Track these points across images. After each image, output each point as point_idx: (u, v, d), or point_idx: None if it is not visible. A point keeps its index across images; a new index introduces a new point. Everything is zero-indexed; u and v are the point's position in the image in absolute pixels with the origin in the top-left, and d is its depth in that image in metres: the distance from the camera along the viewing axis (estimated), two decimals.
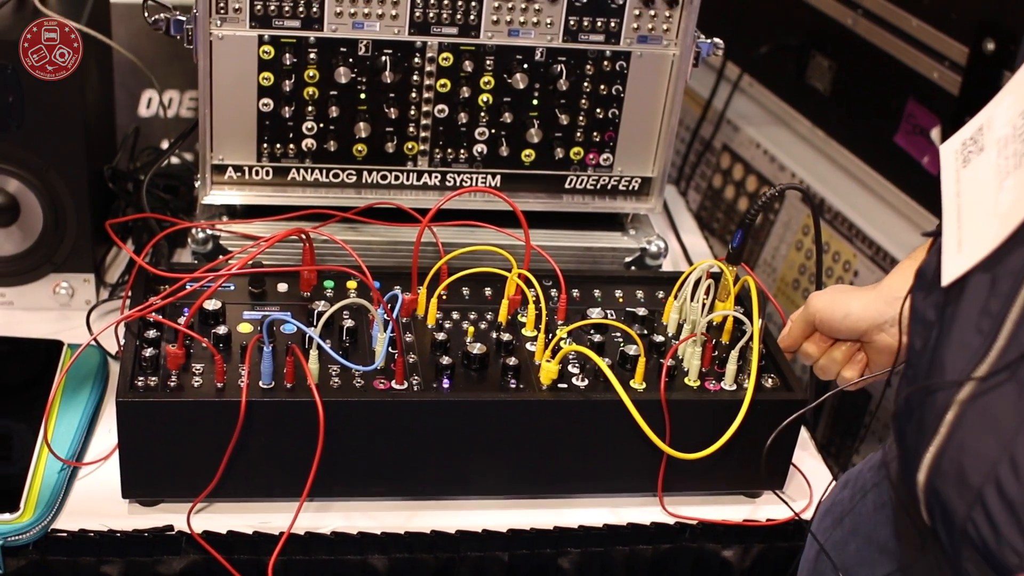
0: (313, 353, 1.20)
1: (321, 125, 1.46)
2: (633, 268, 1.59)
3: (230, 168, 1.48)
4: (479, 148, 1.51)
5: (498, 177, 1.54)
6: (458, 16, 1.43)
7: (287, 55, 1.41)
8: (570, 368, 1.28)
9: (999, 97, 0.97)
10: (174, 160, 1.74)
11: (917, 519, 1.02)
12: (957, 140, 1.00)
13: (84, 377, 1.37)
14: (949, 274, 0.93)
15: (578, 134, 1.53)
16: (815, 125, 2.19)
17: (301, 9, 1.39)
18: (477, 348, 1.27)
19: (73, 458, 1.27)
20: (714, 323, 1.37)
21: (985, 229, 0.91)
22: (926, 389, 0.93)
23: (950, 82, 1.84)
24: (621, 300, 1.43)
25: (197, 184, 1.50)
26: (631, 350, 1.29)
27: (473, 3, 1.42)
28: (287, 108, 1.44)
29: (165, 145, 1.84)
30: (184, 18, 1.40)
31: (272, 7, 1.38)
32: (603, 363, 1.22)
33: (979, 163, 0.95)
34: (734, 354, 1.29)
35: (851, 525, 1.18)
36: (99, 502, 1.25)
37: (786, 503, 1.33)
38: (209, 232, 1.46)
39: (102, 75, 1.63)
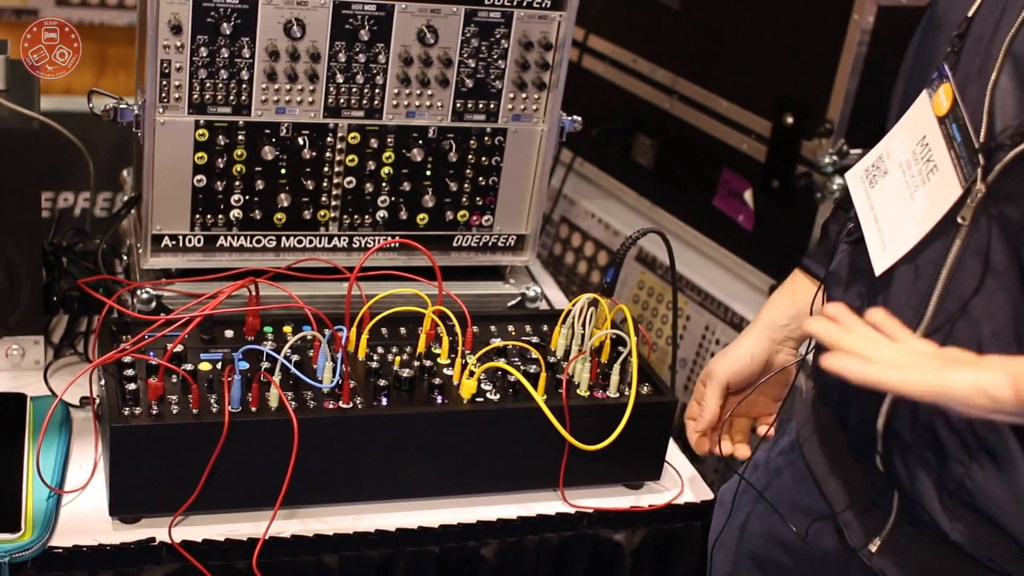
0: (276, 380, 1.43)
1: (247, 197, 1.69)
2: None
3: (166, 237, 1.69)
4: (382, 214, 1.76)
5: (397, 238, 1.79)
6: (364, 101, 1.69)
7: (219, 137, 1.64)
8: (483, 386, 1.54)
9: (891, 134, 1.29)
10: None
11: (849, 471, 1.32)
12: (860, 169, 1.32)
13: (54, 423, 1.54)
14: (880, 266, 1.24)
15: (464, 199, 1.80)
16: (641, 195, 2.53)
17: (232, 97, 1.63)
18: (406, 372, 1.52)
19: (57, 487, 1.45)
20: (594, 346, 1.65)
21: (905, 230, 1.22)
22: None
23: (757, 151, 2.20)
24: (514, 333, 1.69)
25: (138, 251, 1.70)
26: (532, 368, 1.56)
27: (377, 90, 1.69)
28: (218, 183, 1.67)
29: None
30: (130, 107, 1.62)
31: (207, 96, 1.62)
32: (519, 374, 1.49)
33: (885, 183, 1.27)
34: (616, 367, 1.58)
35: (772, 497, 1.47)
36: (84, 522, 1.43)
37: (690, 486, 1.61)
38: (154, 292, 1.66)
39: None
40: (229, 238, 1.71)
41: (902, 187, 1.26)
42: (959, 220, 1.17)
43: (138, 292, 1.66)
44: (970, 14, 1.23)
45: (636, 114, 2.50)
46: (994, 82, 1.16)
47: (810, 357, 1.53)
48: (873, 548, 1.31)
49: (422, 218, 1.79)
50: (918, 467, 1.22)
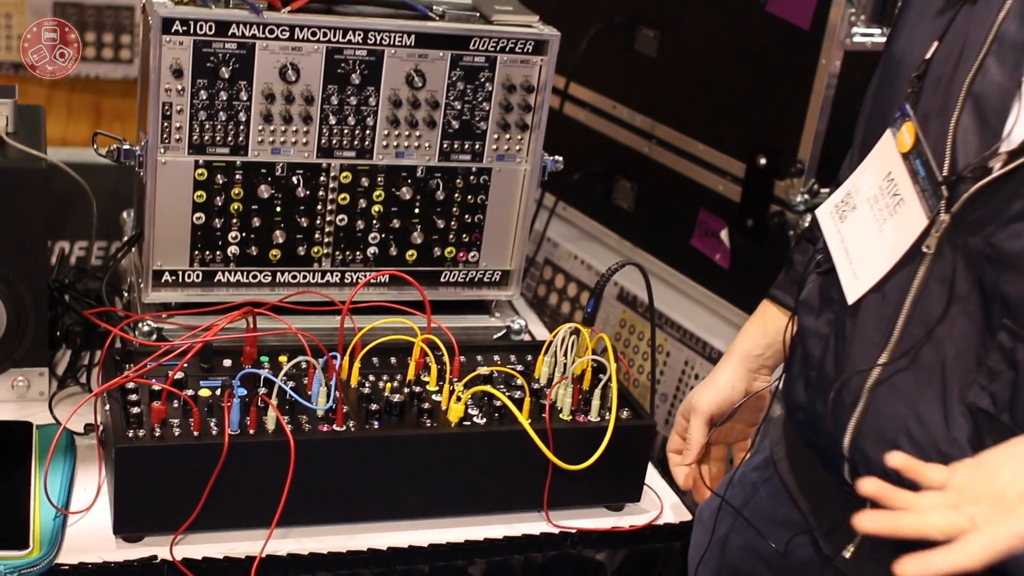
0: (273, 402, 1.50)
1: (244, 234, 1.77)
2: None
3: (167, 272, 1.76)
4: (372, 250, 1.84)
5: (387, 274, 1.87)
6: (355, 142, 1.77)
7: (218, 176, 1.73)
8: (470, 410, 1.61)
9: (858, 171, 1.39)
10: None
11: (821, 485, 1.39)
12: (829, 204, 1.42)
13: (59, 448, 1.61)
14: (853, 295, 1.33)
15: (451, 236, 1.88)
16: (622, 237, 2.61)
17: (230, 138, 1.71)
18: (397, 397, 1.59)
19: (63, 508, 1.52)
20: (575, 373, 1.72)
21: (875, 260, 1.31)
22: (844, 379, 1.31)
23: (733, 192, 2.29)
24: (499, 362, 1.77)
25: (139, 286, 1.78)
26: (517, 394, 1.63)
27: (367, 131, 1.77)
28: (217, 220, 1.75)
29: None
30: (134, 148, 1.70)
31: (206, 137, 1.70)
32: (504, 397, 1.56)
33: (854, 217, 1.36)
34: (597, 393, 1.65)
35: (749, 513, 1.55)
36: (89, 541, 1.49)
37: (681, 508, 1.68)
38: (155, 324, 1.73)
39: None
40: (227, 273, 1.79)
41: (871, 220, 1.34)
42: (924, 249, 1.26)
43: (139, 324, 1.73)
44: (928, 56, 1.31)
45: (616, 158, 2.60)
46: (956, 120, 1.24)
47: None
48: (847, 555, 1.38)
49: (411, 254, 1.87)
50: (884, 479, 1.29)
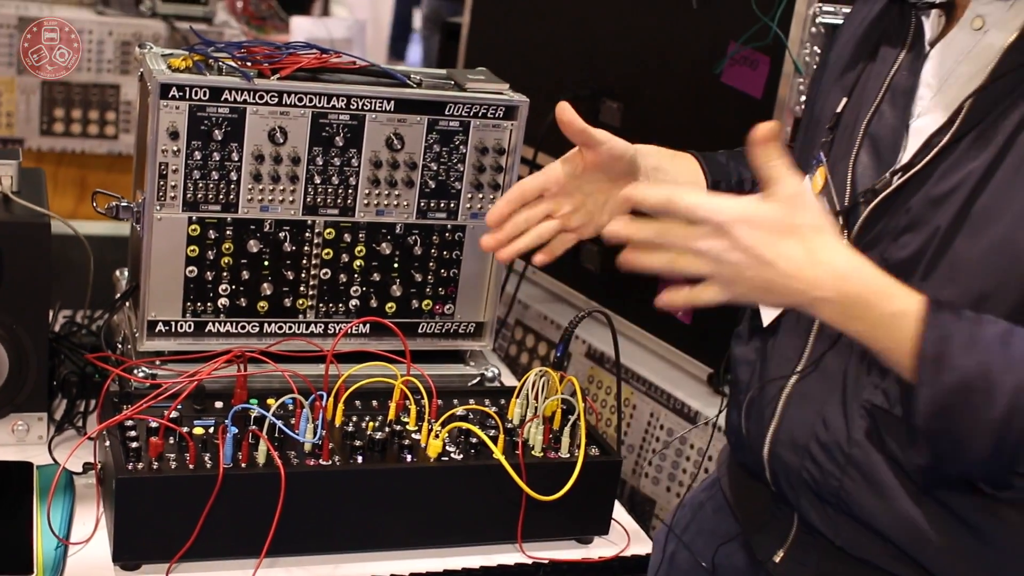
0: (264, 436, 1.60)
1: (234, 286, 1.88)
2: None
3: (160, 323, 1.87)
4: (354, 302, 1.96)
5: (368, 325, 1.98)
6: (339, 200, 1.90)
7: (210, 232, 1.84)
8: (448, 447, 1.72)
9: None
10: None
11: (755, 496, 1.52)
12: None
13: (59, 485, 1.70)
14: (768, 318, 1.49)
15: (428, 289, 2.00)
16: (589, 298, 2.74)
17: (222, 196, 1.83)
18: (379, 435, 1.70)
19: (64, 539, 1.61)
20: (546, 413, 1.83)
21: None
22: (762, 390, 1.46)
23: None
24: (474, 404, 1.88)
25: (134, 335, 1.88)
26: (491, 432, 1.74)
27: (350, 190, 1.90)
28: (208, 273, 1.86)
29: None
30: (131, 205, 1.82)
31: (200, 195, 1.82)
32: (480, 432, 1.67)
33: None
34: (566, 431, 1.77)
35: (696, 528, 1.67)
36: (89, 570, 1.58)
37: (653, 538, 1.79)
38: (150, 370, 1.84)
39: None
40: (217, 324, 1.90)
41: None
42: None
43: (135, 370, 1.84)
44: (839, 110, 1.51)
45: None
46: (855, 157, 1.43)
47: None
48: (777, 559, 1.51)
49: (390, 306, 1.98)
50: (800, 484, 1.44)
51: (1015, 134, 1.29)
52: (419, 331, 2.02)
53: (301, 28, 4.21)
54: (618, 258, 1.34)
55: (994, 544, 1.35)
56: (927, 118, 1.39)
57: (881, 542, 1.39)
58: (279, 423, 1.62)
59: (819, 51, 2.21)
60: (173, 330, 1.88)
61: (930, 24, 1.43)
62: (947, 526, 1.35)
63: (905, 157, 1.39)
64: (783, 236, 1.23)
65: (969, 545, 1.35)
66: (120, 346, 1.98)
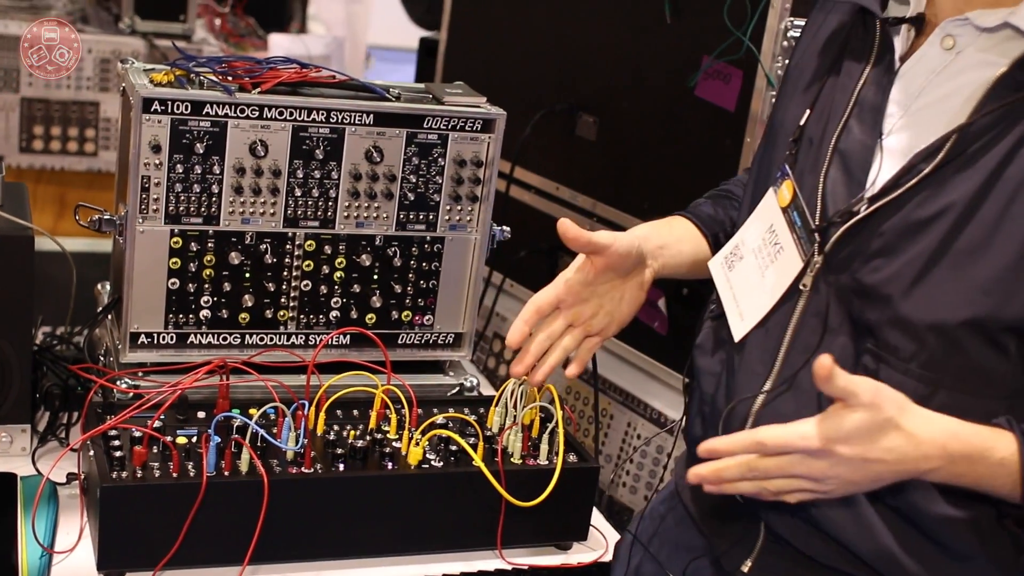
0: (247, 444, 1.62)
1: (216, 298, 1.90)
2: None
3: (143, 335, 1.89)
4: (335, 313, 1.99)
5: (348, 336, 2.01)
6: (319, 212, 1.93)
7: (192, 244, 1.87)
8: (428, 455, 1.75)
9: (744, 227, 1.57)
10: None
11: (720, 505, 1.55)
12: (720, 257, 1.60)
13: (43, 496, 1.72)
14: (739, 334, 1.50)
15: (408, 300, 2.02)
16: None
17: (203, 209, 1.86)
18: (360, 443, 1.72)
19: (48, 548, 1.63)
20: (524, 422, 1.86)
21: (759, 302, 1.48)
22: (733, 408, 1.47)
23: None
24: (454, 413, 1.90)
25: (117, 347, 1.90)
26: (471, 440, 1.77)
27: (330, 203, 1.93)
28: (190, 285, 1.88)
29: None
30: (114, 218, 1.84)
31: (182, 207, 1.84)
32: (459, 439, 1.70)
33: (742, 266, 1.54)
34: (544, 438, 1.79)
35: (659, 541, 1.69)
36: None
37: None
38: (132, 382, 1.86)
39: None
40: (199, 335, 1.92)
41: (755, 268, 1.53)
42: (801, 287, 1.44)
43: (118, 382, 1.85)
44: (802, 123, 1.52)
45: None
46: (825, 174, 1.45)
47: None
48: (745, 569, 1.53)
49: (371, 317, 2.01)
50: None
51: (1000, 168, 1.31)
52: (399, 342, 2.05)
53: (279, 45, 4.24)
54: (704, 488, 1.38)
55: (959, 557, 1.38)
56: (900, 137, 1.40)
57: (850, 553, 1.42)
58: (261, 431, 1.64)
59: None
60: (155, 342, 1.90)
61: (900, 39, 1.44)
62: (913, 541, 1.39)
63: (881, 177, 1.39)
64: (881, 434, 1.27)
65: (935, 558, 1.39)
66: (102, 358, 2.00)
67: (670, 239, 1.73)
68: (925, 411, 1.30)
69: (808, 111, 1.51)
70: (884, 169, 1.40)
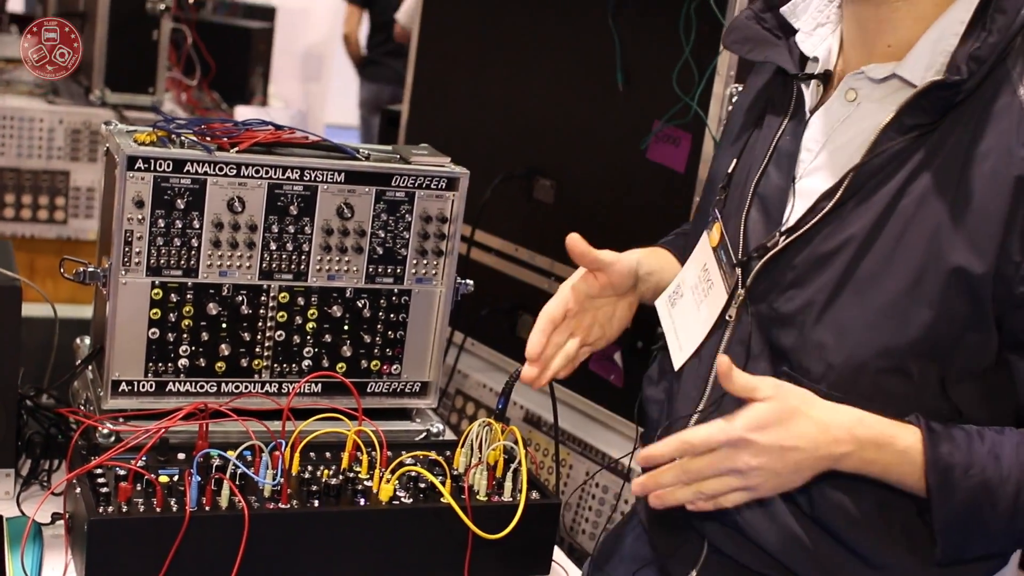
0: (227, 478, 1.71)
1: (194, 347, 2.00)
2: None
3: (123, 382, 1.98)
4: (307, 363, 2.08)
5: (320, 384, 2.10)
6: (292, 266, 2.03)
7: (172, 295, 1.96)
8: (399, 492, 1.84)
9: (685, 267, 1.71)
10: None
11: (668, 521, 1.66)
12: (665, 296, 1.74)
13: (28, 537, 1.79)
14: (678, 363, 1.63)
15: (376, 350, 2.13)
16: None
17: (183, 262, 1.95)
18: (335, 481, 1.82)
19: None
20: (489, 461, 1.96)
21: (694, 334, 1.61)
22: (669, 427, 1.60)
23: None
24: (422, 453, 2.00)
25: (98, 394, 1.99)
26: (439, 479, 1.86)
27: (303, 256, 2.03)
28: (170, 335, 1.98)
29: None
30: (98, 270, 1.94)
31: (162, 260, 1.94)
32: (429, 474, 1.79)
33: (682, 303, 1.68)
34: (508, 476, 1.89)
35: (617, 558, 1.80)
36: None
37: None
38: (114, 428, 1.94)
39: None
40: (177, 383, 2.01)
41: (692, 303, 1.67)
42: (727, 318, 1.58)
43: (99, 428, 1.94)
44: (729, 171, 1.70)
45: (520, 296, 2.88)
46: (746, 215, 1.61)
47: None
48: None
49: (341, 366, 2.11)
50: (705, 512, 1.57)
51: (893, 203, 1.47)
52: (368, 390, 2.14)
53: (245, 116, 4.36)
54: (649, 502, 1.51)
55: (866, 559, 1.51)
56: (810, 179, 1.57)
57: (774, 560, 1.54)
58: (241, 467, 1.73)
59: None
60: (136, 389, 1.99)
61: (810, 93, 1.61)
62: (828, 546, 1.51)
63: (793, 215, 1.56)
64: (790, 421, 1.41)
65: (846, 561, 1.51)
66: (83, 407, 2.08)
67: (657, 267, 1.87)
68: (830, 403, 1.43)
69: (735, 161, 1.67)
70: (796, 208, 1.56)
